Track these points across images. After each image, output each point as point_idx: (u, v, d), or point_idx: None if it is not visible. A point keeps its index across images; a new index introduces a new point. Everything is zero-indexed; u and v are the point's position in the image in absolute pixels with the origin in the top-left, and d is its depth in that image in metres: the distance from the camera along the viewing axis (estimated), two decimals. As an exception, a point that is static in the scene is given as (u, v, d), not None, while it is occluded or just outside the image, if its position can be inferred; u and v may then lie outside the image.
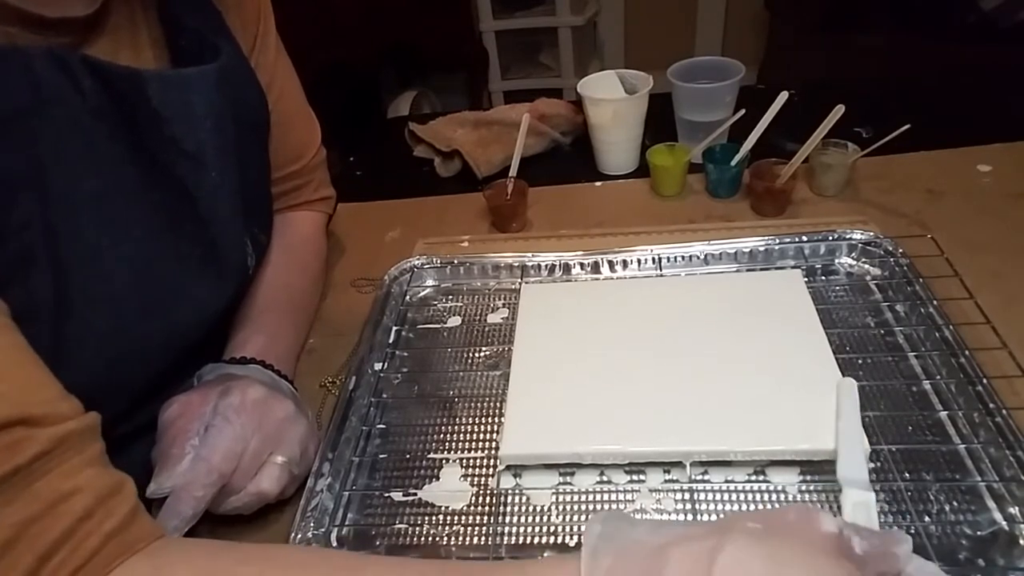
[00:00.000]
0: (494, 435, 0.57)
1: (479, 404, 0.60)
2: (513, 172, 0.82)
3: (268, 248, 0.65)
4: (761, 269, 0.69)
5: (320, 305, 0.73)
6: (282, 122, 0.65)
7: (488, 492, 0.53)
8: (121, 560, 0.36)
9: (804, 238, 0.69)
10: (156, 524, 0.39)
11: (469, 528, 0.51)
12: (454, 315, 0.70)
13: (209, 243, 0.53)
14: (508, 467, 0.53)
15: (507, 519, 0.51)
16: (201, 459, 0.46)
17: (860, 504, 0.41)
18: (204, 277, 0.53)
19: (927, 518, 0.47)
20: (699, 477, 0.51)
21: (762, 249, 0.69)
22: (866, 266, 0.68)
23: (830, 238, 0.69)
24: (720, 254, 0.70)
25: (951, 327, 0.57)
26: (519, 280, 0.72)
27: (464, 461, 0.55)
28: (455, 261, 0.74)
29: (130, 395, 0.50)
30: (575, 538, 0.49)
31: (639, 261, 0.71)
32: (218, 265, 0.55)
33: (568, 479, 0.53)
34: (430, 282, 0.74)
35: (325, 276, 0.75)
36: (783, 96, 0.75)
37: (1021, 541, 0.44)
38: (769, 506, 0.49)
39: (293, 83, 0.69)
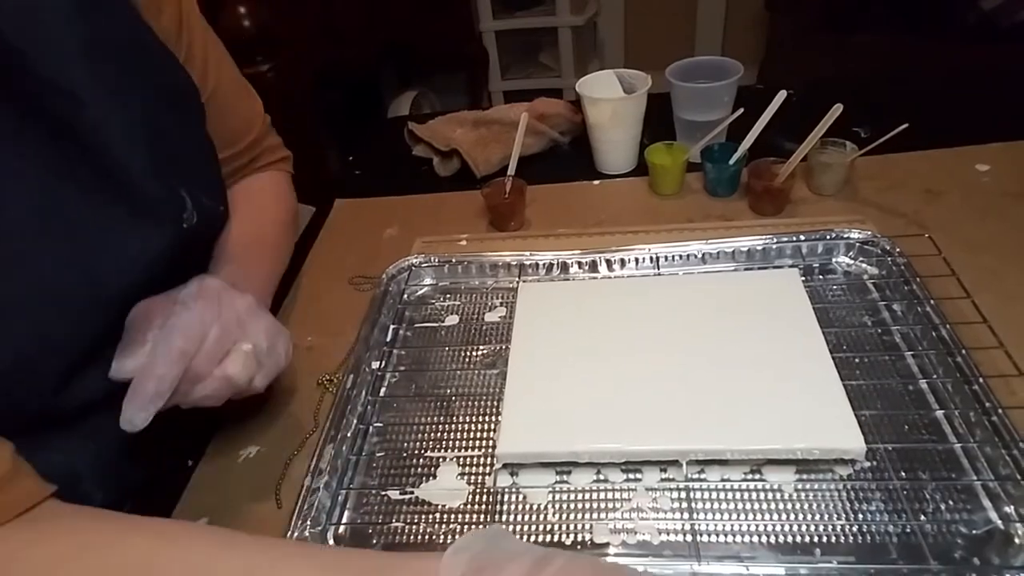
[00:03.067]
0: (491, 434, 0.57)
1: (476, 403, 0.60)
2: (511, 171, 0.82)
3: (223, 216, 0.64)
4: (759, 268, 0.69)
5: (321, 304, 0.74)
6: (225, 95, 0.66)
7: (485, 491, 0.53)
8: None
9: (802, 237, 0.69)
10: (42, 486, 0.40)
11: (466, 527, 0.51)
12: (452, 314, 0.70)
13: (119, 190, 0.51)
14: (505, 466, 0.53)
15: (504, 518, 0.51)
16: (161, 341, 0.46)
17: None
18: (124, 227, 0.51)
19: (923, 517, 0.47)
20: (695, 476, 0.51)
21: (760, 248, 0.69)
22: (863, 265, 0.68)
23: (828, 237, 0.69)
24: (718, 253, 0.70)
25: (948, 326, 0.57)
26: (517, 279, 0.72)
27: (461, 460, 0.55)
28: (453, 260, 0.74)
29: (67, 362, 0.49)
30: (572, 536, 0.49)
31: (637, 260, 0.71)
32: (137, 214, 0.52)
33: (565, 478, 0.53)
34: (428, 280, 0.74)
35: (295, 224, 0.77)
36: (781, 95, 0.75)
37: (1016, 540, 0.44)
38: (766, 504, 0.49)
39: (228, 59, 0.68)
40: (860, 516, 0.47)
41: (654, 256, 0.70)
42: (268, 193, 0.74)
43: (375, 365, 0.64)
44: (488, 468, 0.54)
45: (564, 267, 0.72)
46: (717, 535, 0.48)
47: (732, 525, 0.48)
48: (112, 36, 0.52)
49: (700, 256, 0.70)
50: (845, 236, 0.68)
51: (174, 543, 0.39)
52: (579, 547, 0.48)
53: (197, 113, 0.62)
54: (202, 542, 0.40)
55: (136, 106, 0.53)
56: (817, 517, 0.48)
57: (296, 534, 0.49)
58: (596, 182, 0.90)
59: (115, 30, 0.53)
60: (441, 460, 0.56)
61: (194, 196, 0.57)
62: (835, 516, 0.47)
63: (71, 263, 0.48)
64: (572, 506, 0.51)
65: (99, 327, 0.51)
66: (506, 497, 0.52)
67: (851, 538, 0.46)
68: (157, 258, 0.54)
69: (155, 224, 0.53)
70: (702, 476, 0.51)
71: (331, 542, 0.50)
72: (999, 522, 0.46)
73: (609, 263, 0.71)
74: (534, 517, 0.51)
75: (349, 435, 0.57)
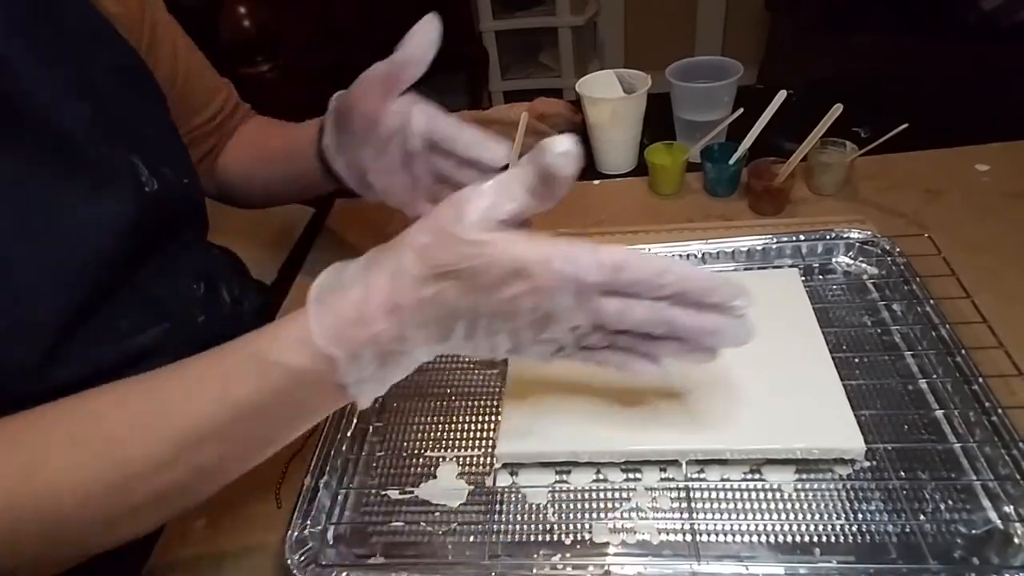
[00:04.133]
0: (491, 433, 0.57)
1: (476, 402, 0.60)
2: (511, 171, 0.82)
3: (191, 190, 0.64)
4: (759, 268, 0.69)
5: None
6: (199, 66, 0.70)
7: (484, 490, 0.53)
8: None
9: (802, 237, 0.69)
10: None
11: (465, 526, 0.51)
12: (452, 314, 0.70)
13: (68, 159, 0.50)
14: (504, 465, 0.53)
15: (503, 517, 0.51)
16: None
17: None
18: (79, 195, 0.51)
19: (922, 516, 0.47)
20: (695, 475, 0.51)
21: (760, 248, 0.69)
22: (863, 265, 0.68)
23: (828, 237, 0.69)
24: (718, 253, 0.70)
25: (948, 326, 0.57)
26: (517, 279, 0.71)
27: (461, 459, 0.55)
28: (453, 260, 0.74)
29: (42, 343, 0.48)
30: (571, 536, 0.49)
31: (637, 260, 0.71)
32: (91, 181, 0.51)
33: (564, 477, 0.53)
34: (428, 281, 0.74)
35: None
36: (781, 95, 0.75)
37: (1016, 540, 0.44)
38: (765, 504, 0.49)
39: (186, 36, 0.70)
40: (860, 516, 0.47)
41: (654, 256, 0.70)
42: (269, 120, 0.78)
43: (375, 365, 0.64)
44: (488, 468, 0.54)
45: (564, 267, 0.72)
46: (717, 535, 0.48)
47: (732, 525, 0.48)
48: (51, 12, 0.52)
49: (700, 256, 0.70)
50: (845, 236, 0.68)
51: (84, 396, 0.40)
52: (579, 546, 0.48)
53: (154, 95, 0.62)
54: (115, 386, 0.40)
55: (76, 76, 0.52)
56: (817, 517, 0.48)
57: (296, 533, 0.49)
58: (596, 182, 0.90)
59: (54, 8, 0.52)
60: (441, 460, 0.56)
61: (150, 165, 0.57)
62: (835, 516, 0.47)
63: (34, 233, 0.47)
64: (572, 506, 0.51)
65: (76, 300, 0.50)
66: (506, 497, 0.52)
67: (851, 538, 0.46)
68: (122, 224, 0.53)
69: (113, 190, 0.53)
70: (702, 476, 0.51)
71: (331, 541, 0.51)
72: (998, 522, 0.45)
73: (609, 263, 0.71)
74: (534, 517, 0.51)
75: (349, 435, 0.57)
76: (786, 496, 0.49)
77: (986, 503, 0.47)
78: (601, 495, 0.51)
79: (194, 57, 0.70)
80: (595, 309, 0.38)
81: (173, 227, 0.61)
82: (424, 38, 0.51)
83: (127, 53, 0.59)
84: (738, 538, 0.47)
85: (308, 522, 0.50)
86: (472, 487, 0.53)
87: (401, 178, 0.57)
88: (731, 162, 0.80)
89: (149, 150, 0.58)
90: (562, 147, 0.34)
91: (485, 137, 0.54)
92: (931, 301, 0.59)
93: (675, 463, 0.51)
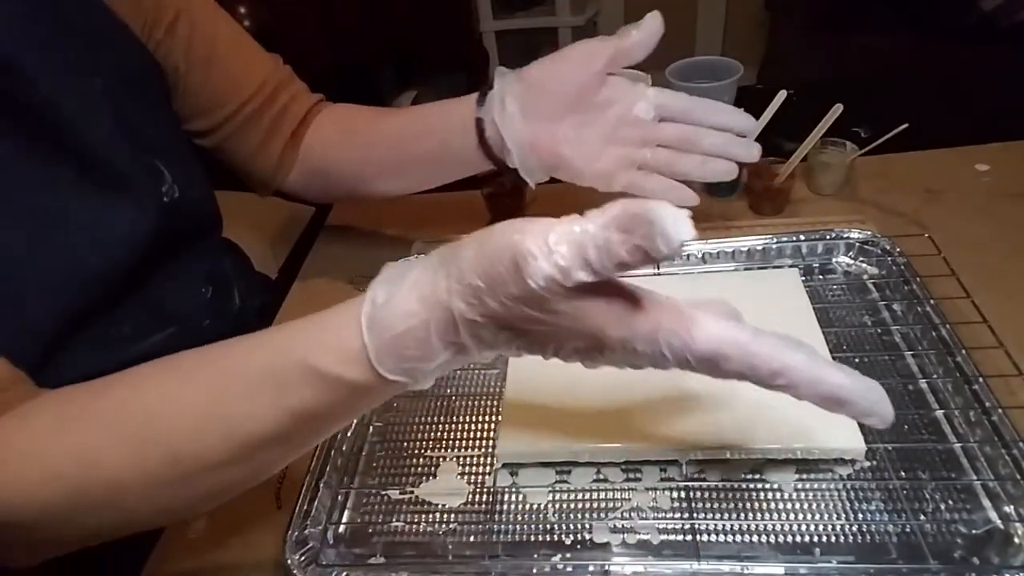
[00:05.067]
0: (491, 434, 0.57)
1: (476, 402, 0.60)
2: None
3: (202, 200, 0.63)
4: (759, 268, 0.69)
5: (321, 304, 0.73)
6: (227, 48, 0.64)
7: (485, 490, 0.53)
8: None
9: (802, 237, 0.69)
10: (34, 388, 0.42)
11: (465, 526, 0.51)
12: (452, 314, 0.70)
13: (87, 167, 0.50)
14: (505, 465, 0.53)
15: (503, 517, 0.51)
16: None
17: None
18: (98, 203, 0.51)
19: (922, 516, 0.47)
20: (695, 475, 0.51)
21: (760, 248, 0.69)
22: (863, 265, 0.68)
23: (828, 237, 0.69)
24: (718, 253, 0.70)
25: (948, 326, 0.57)
26: (517, 279, 0.71)
27: (461, 459, 0.55)
28: (453, 260, 0.74)
29: (43, 343, 0.48)
30: (571, 536, 0.49)
31: (637, 260, 0.71)
32: (111, 189, 0.51)
33: (564, 477, 0.53)
34: (428, 281, 0.74)
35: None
36: (781, 95, 0.75)
37: (1016, 540, 0.44)
38: (766, 504, 0.49)
39: (219, 19, 0.66)
40: (860, 516, 0.47)
41: (654, 256, 0.70)
42: (358, 107, 0.73)
43: (375, 365, 0.64)
44: (488, 468, 0.54)
45: (564, 267, 0.72)
46: (717, 535, 0.48)
47: (732, 525, 0.48)
48: (61, 13, 0.51)
49: (700, 256, 0.70)
50: (845, 236, 0.68)
51: (137, 389, 0.40)
52: (579, 546, 0.48)
53: (160, 94, 0.61)
54: (167, 379, 0.40)
55: (94, 83, 0.52)
56: (817, 517, 0.48)
57: (296, 533, 0.49)
58: (596, 182, 0.90)
59: (63, 8, 0.52)
60: (441, 459, 0.56)
61: (174, 172, 0.56)
62: (835, 516, 0.48)
63: (44, 238, 0.48)
64: (572, 506, 0.51)
65: (79, 306, 0.50)
66: (506, 497, 0.52)
67: (851, 538, 0.46)
68: (139, 235, 0.53)
69: (133, 199, 0.53)
70: (702, 476, 0.51)
71: (331, 541, 0.51)
72: (999, 522, 0.45)
73: (609, 263, 0.71)
74: (534, 517, 0.51)
75: (349, 435, 0.57)
76: (786, 496, 0.49)
77: (986, 503, 0.47)
78: (601, 495, 0.51)
79: (221, 27, 0.65)
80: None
81: (189, 235, 0.61)
82: (653, 25, 0.53)
83: (136, 52, 0.59)
84: (738, 538, 0.47)
85: (308, 522, 0.50)
86: (472, 487, 0.53)
87: (606, 151, 0.56)
88: (731, 162, 0.80)
89: (171, 156, 0.57)
90: (675, 228, 0.29)
91: (729, 106, 0.54)
92: (931, 301, 0.59)
93: (675, 463, 0.51)
